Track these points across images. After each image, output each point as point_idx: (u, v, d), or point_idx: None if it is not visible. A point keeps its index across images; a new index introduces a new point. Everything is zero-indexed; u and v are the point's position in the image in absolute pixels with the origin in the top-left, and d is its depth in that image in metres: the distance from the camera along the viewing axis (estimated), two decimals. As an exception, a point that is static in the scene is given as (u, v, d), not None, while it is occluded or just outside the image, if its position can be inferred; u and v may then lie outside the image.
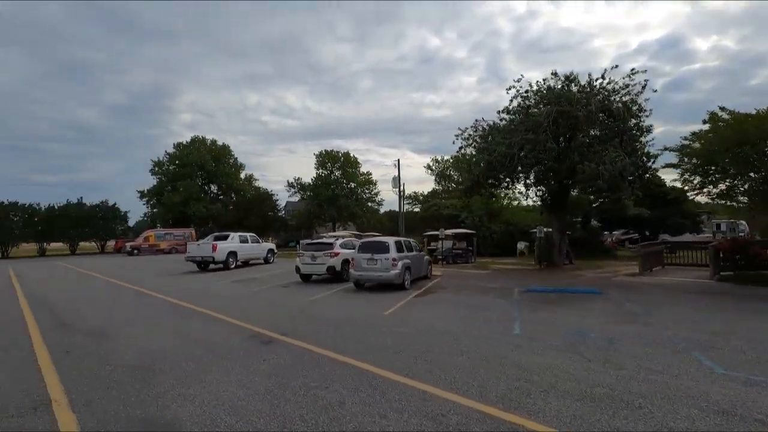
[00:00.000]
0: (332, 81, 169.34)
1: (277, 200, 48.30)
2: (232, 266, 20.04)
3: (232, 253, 20.11)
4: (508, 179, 18.36)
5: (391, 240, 12.21)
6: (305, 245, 14.61)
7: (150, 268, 22.15)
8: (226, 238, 20.56)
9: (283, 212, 52.13)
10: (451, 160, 53.98)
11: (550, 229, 19.31)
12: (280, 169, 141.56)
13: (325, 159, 48.84)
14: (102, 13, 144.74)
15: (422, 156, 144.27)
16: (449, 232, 23.24)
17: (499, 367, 5.13)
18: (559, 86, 16.82)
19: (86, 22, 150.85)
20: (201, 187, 47.59)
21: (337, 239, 14.52)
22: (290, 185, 48.10)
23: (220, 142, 50.79)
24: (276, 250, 24.25)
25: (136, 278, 17.17)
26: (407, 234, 30.54)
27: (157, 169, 48.42)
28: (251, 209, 44.79)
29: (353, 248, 15.20)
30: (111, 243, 50.01)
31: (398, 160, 38.44)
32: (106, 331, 7.71)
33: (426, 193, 54.95)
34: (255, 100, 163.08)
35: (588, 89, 16.24)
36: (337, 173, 49.33)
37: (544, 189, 19.13)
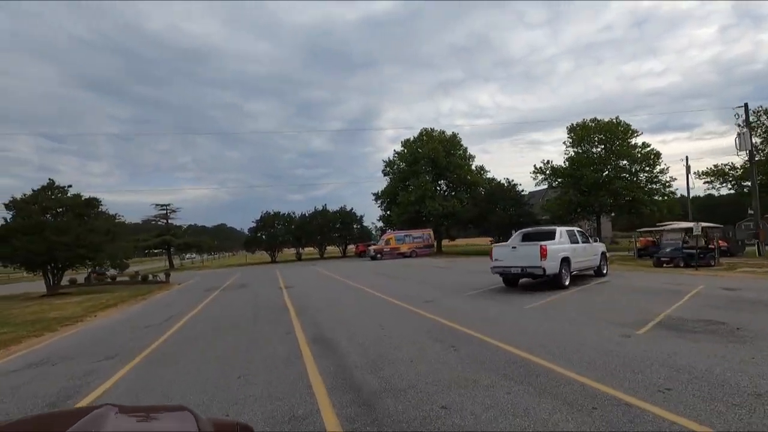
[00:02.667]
0: (524, 71, 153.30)
1: (522, 191, 39.23)
2: (566, 282, 11.84)
3: (565, 261, 11.89)
4: None
5: None
6: None
7: (419, 279, 16.07)
8: (550, 236, 12.42)
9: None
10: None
11: None
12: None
13: (581, 134, 37.18)
14: (322, 56, 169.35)
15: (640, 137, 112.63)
16: None
17: None
18: None
19: (313, 66, 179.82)
20: (432, 184, 42.84)
21: None
22: (538, 171, 38.27)
23: (448, 133, 45.38)
24: (607, 253, 15.05)
25: (419, 296, 10.71)
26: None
27: (388, 169, 46.36)
28: (493, 203, 37.18)
29: None
30: (351, 247, 51.18)
31: (745, 104, 23.44)
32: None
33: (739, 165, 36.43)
34: (448, 105, 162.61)
35: None
36: (598, 149, 37.03)
37: None
